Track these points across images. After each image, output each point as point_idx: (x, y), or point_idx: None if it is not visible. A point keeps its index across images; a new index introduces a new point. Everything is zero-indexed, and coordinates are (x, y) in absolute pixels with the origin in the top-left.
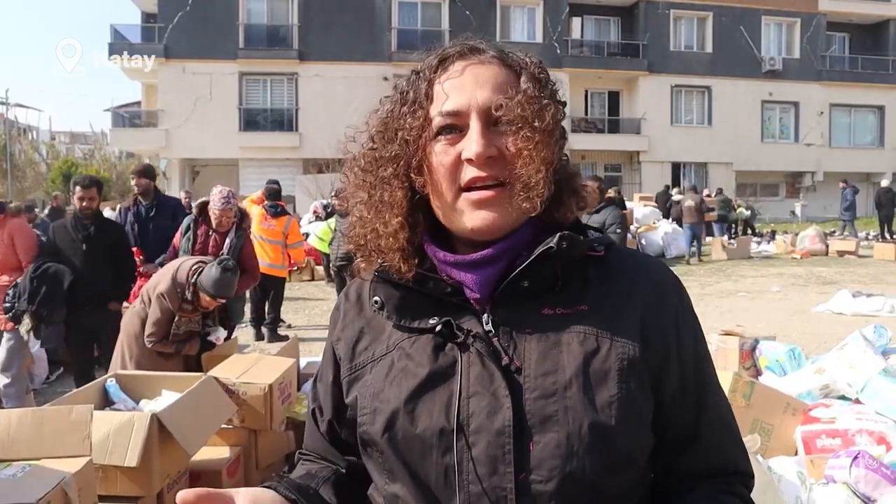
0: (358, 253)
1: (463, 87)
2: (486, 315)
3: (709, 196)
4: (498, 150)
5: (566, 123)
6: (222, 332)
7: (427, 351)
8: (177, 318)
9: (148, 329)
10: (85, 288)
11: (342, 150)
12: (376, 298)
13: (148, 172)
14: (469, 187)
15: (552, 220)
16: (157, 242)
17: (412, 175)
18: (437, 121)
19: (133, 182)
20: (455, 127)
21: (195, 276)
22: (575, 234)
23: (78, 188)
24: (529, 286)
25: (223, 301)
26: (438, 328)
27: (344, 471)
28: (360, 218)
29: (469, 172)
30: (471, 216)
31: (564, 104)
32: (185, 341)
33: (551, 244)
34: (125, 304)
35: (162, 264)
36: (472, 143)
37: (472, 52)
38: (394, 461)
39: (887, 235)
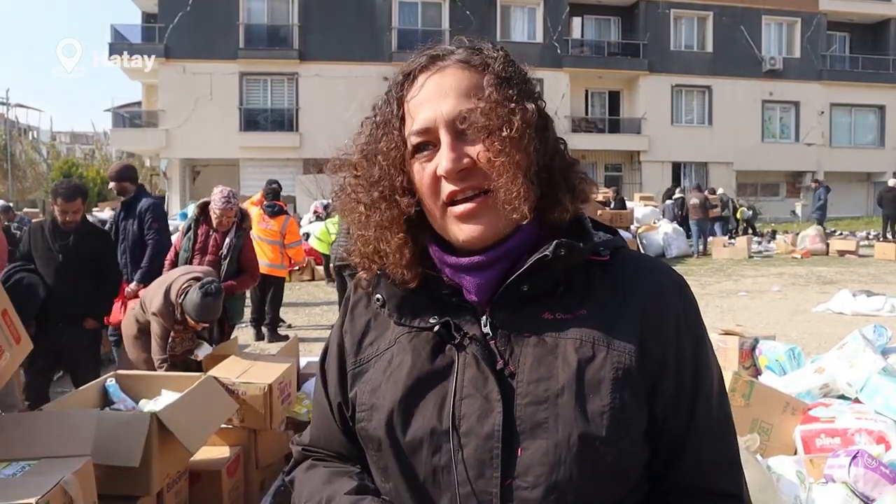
0: (359, 267)
1: (428, 102)
2: (485, 317)
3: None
4: (472, 159)
5: (566, 123)
6: (206, 349)
7: (426, 350)
8: (171, 340)
9: (157, 354)
10: (56, 303)
11: (331, 170)
12: (378, 296)
13: (118, 174)
14: (452, 201)
15: (549, 221)
16: (123, 249)
17: (397, 197)
18: (412, 140)
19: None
20: (429, 143)
21: (182, 297)
22: (576, 238)
23: (60, 200)
24: (529, 290)
25: (207, 324)
26: (437, 328)
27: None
28: (361, 235)
29: (446, 188)
30: (459, 229)
31: (538, 98)
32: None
33: (546, 253)
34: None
35: (134, 279)
36: (441, 160)
37: (433, 61)
38: (388, 458)
39: (889, 235)
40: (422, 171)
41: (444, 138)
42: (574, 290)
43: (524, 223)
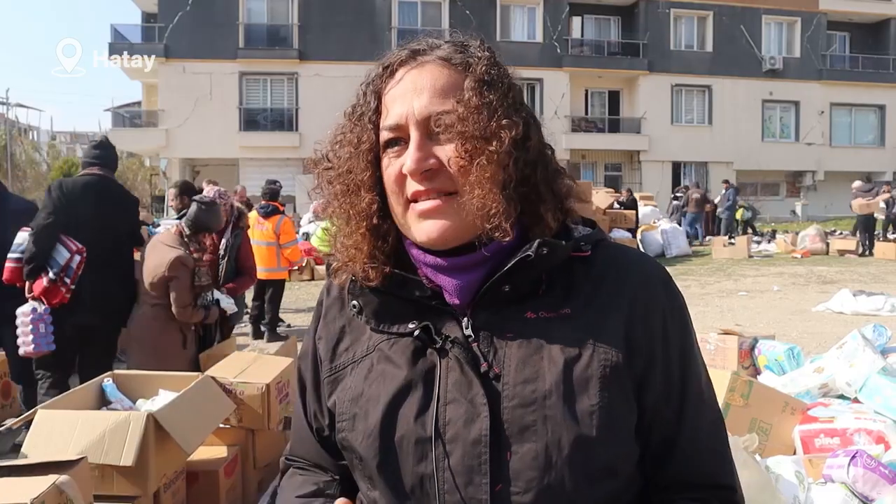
0: (334, 260)
1: (403, 97)
2: (466, 319)
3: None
4: (439, 161)
5: (566, 123)
6: (227, 300)
7: (406, 355)
8: (196, 270)
9: (180, 301)
10: None
11: (311, 162)
12: (354, 302)
13: None
14: (416, 199)
15: (534, 235)
16: None
17: (362, 192)
18: (383, 135)
19: None
20: (400, 139)
21: (185, 223)
22: (557, 234)
23: None
24: (511, 291)
25: (213, 231)
26: (417, 333)
27: (338, 478)
28: (335, 226)
29: (411, 186)
30: (419, 227)
31: (521, 105)
32: (207, 306)
33: (529, 252)
34: None
35: None
36: (407, 158)
37: (414, 55)
38: (372, 468)
39: (889, 235)
40: (389, 167)
41: (413, 136)
42: (556, 288)
43: (506, 240)
